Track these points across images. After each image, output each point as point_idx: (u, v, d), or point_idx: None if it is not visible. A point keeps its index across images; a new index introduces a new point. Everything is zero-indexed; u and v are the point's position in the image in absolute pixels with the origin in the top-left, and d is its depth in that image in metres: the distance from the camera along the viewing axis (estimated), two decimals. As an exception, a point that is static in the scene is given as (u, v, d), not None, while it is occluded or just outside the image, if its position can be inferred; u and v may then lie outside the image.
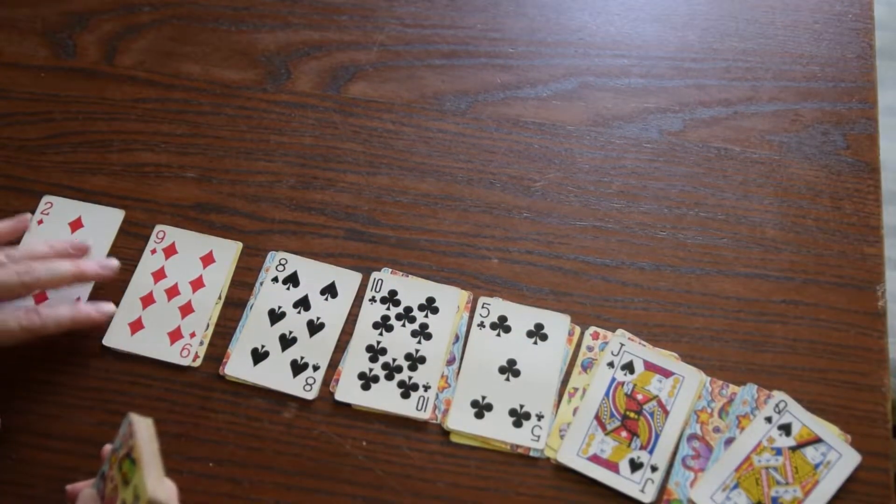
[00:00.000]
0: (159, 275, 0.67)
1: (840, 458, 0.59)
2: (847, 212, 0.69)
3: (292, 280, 0.66)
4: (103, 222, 0.69)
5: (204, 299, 0.66)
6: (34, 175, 0.71)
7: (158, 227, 0.69)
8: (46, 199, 0.70)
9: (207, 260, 0.67)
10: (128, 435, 0.48)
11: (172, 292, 0.66)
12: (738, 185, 0.70)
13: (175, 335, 0.64)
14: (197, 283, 0.66)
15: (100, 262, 0.64)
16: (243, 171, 0.71)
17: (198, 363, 0.63)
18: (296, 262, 0.67)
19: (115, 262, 0.64)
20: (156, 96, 0.75)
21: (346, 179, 0.71)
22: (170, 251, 0.68)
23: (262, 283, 0.66)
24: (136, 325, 0.65)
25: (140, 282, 0.66)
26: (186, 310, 0.65)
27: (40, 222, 0.69)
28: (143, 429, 0.48)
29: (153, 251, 0.68)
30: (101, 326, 0.64)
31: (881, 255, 0.67)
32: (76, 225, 0.69)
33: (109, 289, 0.66)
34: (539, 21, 0.79)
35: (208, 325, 0.65)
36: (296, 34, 0.79)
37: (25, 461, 0.61)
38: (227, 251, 0.68)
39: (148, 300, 0.66)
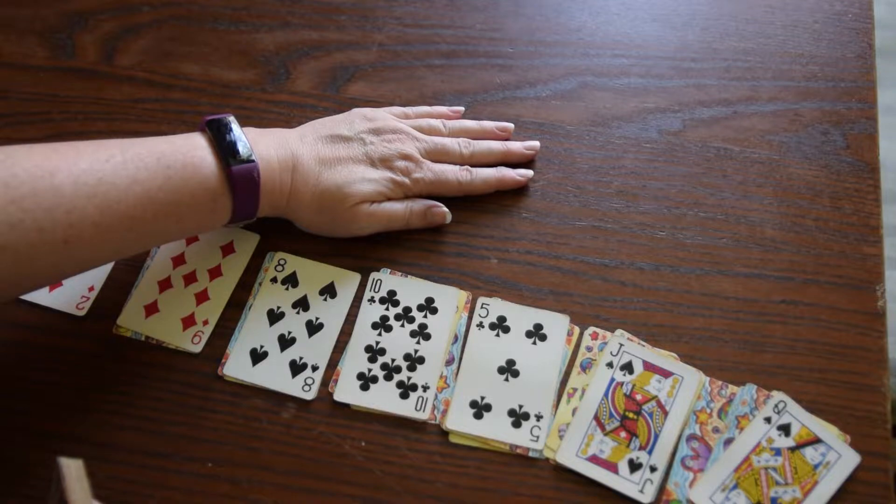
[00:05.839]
0: (179, 260, 0.67)
1: (839, 459, 0.59)
2: (847, 212, 0.69)
3: (291, 280, 0.66)
4: None
5: (220, 289, 0.66)
6: (33, 175, 0.71)
7: None
8: None
9: (228, 250, 0.68)
10: (58, 480, 0.48)
11: (190, 279, 0.66)
12: (738, 184, 0.70)
13: (188, 321, 0.65)
14: (215, 272, 0.66)
15: (524, 143, 0.71)
16: (242, 171, 0.71)
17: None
18: (295, 263, 0.67)
19: (536, 144, 0.71)
20: (155, 96, 0.75)
21: (346, 179, 0.71)
22: (191, 238, 0.68)
23: (260, 284, 0.66)
24: (152, 309, 0.65)
25: (159, 266, 0.67)
26: (202, 297, 0.66)
27: None
28: (72, 470, 0.48)
29: None
30: (524, 187, 0.70)
31: (881, 255, 0.67)
32: None
33: (127, 272, 0.66)
34: (538, 21, 0.79)
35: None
36: (295, 34, 0.79)
37: (26, 461, 0.61)
38: (248, 243, 0.68)
39: (165, 284, 0.66)
